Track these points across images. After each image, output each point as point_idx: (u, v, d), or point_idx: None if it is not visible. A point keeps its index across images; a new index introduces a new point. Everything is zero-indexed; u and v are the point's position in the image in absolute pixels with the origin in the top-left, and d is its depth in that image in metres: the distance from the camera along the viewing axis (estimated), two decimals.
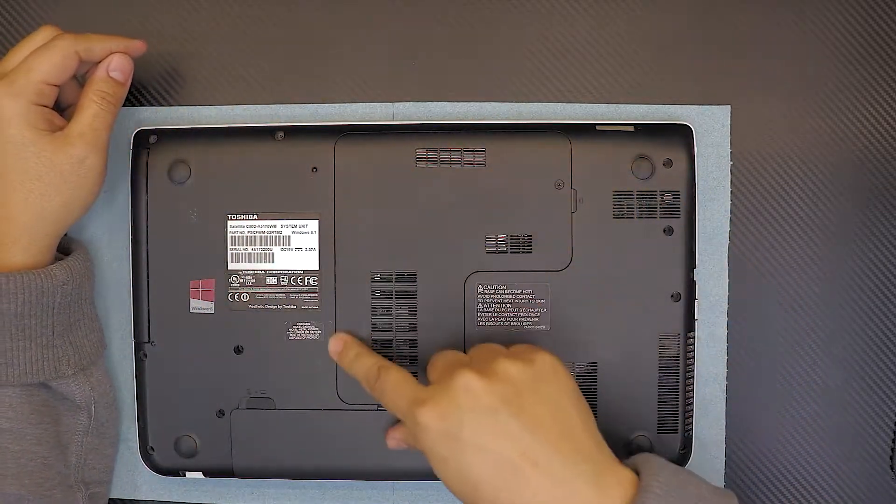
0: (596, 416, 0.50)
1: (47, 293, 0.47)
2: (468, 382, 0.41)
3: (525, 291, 0.50)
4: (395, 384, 0.45)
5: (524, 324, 0.50)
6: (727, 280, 0.53)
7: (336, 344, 0.49)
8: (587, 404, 0.43)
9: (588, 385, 0.50)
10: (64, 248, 0.51)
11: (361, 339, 0.50)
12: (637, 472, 0.41)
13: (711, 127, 0.53)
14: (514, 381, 0.42)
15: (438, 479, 0.51)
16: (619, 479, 0.41)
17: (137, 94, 0.54)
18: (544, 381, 0.42)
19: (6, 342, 0.46)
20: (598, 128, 0.51)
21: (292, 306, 0.51)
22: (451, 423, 0.41)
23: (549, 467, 0.40)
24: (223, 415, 0.51)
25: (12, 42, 0.54)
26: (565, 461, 0.40)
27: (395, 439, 0.49)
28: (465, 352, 0.46)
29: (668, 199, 0.50)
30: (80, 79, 0.50)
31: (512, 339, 0.50)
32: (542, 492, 0.40)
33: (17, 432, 0.47)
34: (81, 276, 0.49)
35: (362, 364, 0.47)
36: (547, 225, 0.50)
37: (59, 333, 0.48)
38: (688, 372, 0.50)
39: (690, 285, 0.50)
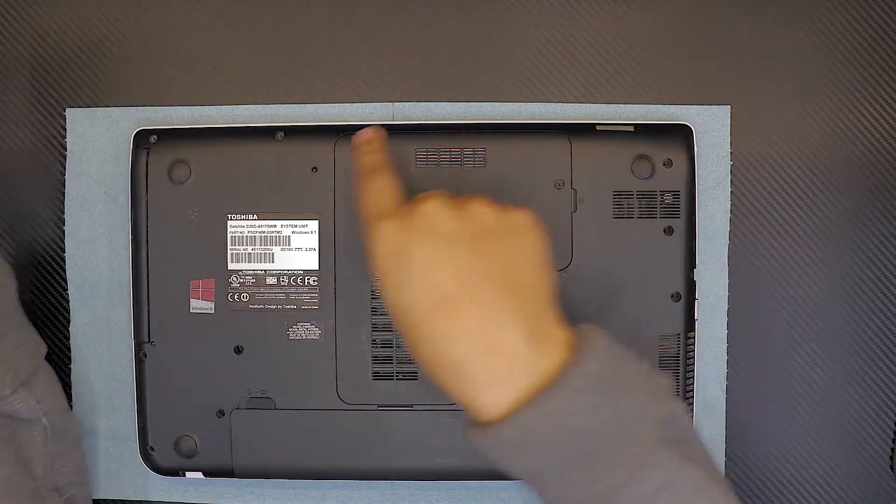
0: None
1: None
2: (434, 208, 0.40)
3: None
4: (378, 189, 0.43)
5: None
6: (727, 280, 0.53)
7: (365, 135, 0.47)
8: (551, 270, 0.42)
9: None
10: None
11: (361, 340, 0.51)
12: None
13: (711, 127, 0.53)
14: (480, 221, 0.40)
15: (439, 480, 0.52)
16: (556, 340, 0.39)
17: (137, 94, 0.54)
18: (513, 233, 0.41)
19: None
20: (598, 128, 0.51)
21: (292, 306, 0.51)
22: (406, 240, 0.40)
23: (486, 308, 0.38)
24: (223, 415, 0.51)
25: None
26: (505, 308, 0.38)
27: None
28: None
29: (668, 199, 0.50)
30: None
31: None
32: (471, 328, 0.38)
33: None
34: None
35: (367, 159, 0.46)
36: (547, 225, 0.50)
37: None
38: (688, 372, 0.50)
39: (690, 285, 0.50)
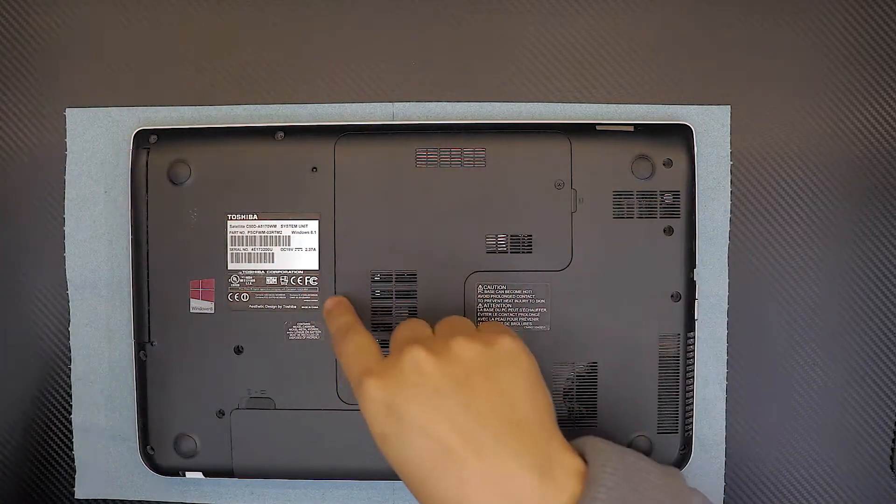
0: (596, 417, 0.50)
1: None
2: (418, 359, 0.40)
3: (525, 291, 0.50)
4: (356, 348, 0.43)
5: (524, 324, 0.50)
6: (727, 280, 0.53)
7: (330, 303, 0.49)
8: (546, 392, 0.42)
9: (588, 385, 0.50)
10: None
11: None
12: (584, 459, 0.39)
13: (711, 127, 0.53)
14: (466, 362, 0.40)
15: None
16: (567, 468, 0.38)
17: (137, 94, 0.54)
18: (500, 365, 0.41)
19: None
20: (598, 128, 0.51)
21: (292, 306, 0.51)
22: (396, 400, 0.39)
23: (489, 454, 0.38)
24: (223, 415, 0.51)
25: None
26: (509, 449, 0.38)
27: None
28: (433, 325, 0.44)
29: (668, 199, 0.50)
30: None
31: None
32: (479, 478, 0.38)
33: None
34: None
35: (339, 321, 0.46)
36: (547, 225, 0.50)
37: None
38: (688, 372, 0.50)
39: (690, 285, 0.50)
